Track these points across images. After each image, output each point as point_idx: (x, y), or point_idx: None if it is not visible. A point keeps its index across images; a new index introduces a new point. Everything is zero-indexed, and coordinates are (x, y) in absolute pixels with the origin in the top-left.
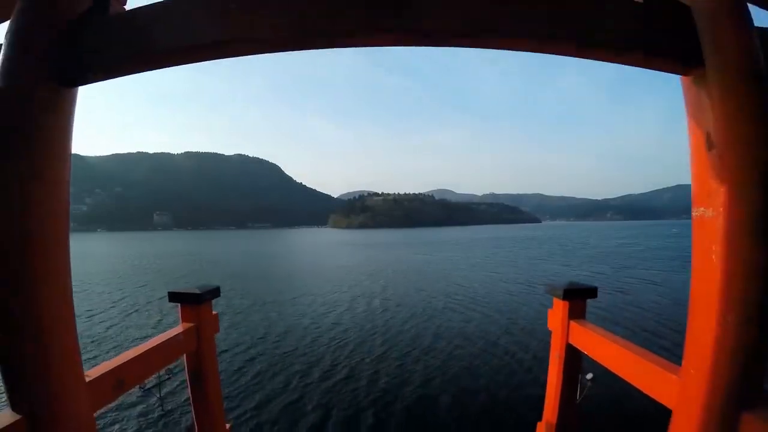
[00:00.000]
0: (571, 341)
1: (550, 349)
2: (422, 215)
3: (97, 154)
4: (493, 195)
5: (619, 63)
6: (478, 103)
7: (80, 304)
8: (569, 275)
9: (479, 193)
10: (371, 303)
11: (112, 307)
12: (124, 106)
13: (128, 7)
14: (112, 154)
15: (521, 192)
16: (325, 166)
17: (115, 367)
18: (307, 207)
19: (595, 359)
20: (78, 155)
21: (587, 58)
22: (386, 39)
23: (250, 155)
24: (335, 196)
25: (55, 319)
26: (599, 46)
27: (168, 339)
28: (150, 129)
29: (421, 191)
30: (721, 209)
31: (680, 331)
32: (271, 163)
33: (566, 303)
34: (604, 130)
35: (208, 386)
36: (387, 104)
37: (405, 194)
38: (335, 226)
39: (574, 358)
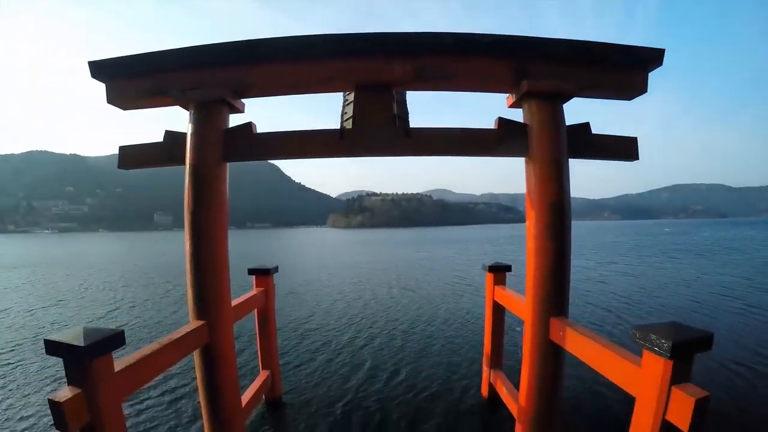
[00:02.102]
0: (495, 299)
1: (485, 308)
2: (421, 215)
3: (98, 155)
4: (491, 195)
5: (487, 156)
6: (473, 99)
7: (138, 292)
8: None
9: (477, 193)
10: (389, 292)
11: (168, 292)
12: None
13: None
14: (113, 154)
15: (519, 192)
16: (323, 166)
17: (234, 305)
18: (307, 207)
19: (506, 308)
20: (78, 156)
21: (472, 156)
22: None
23: None
24: (334, 196)
25: (222, 279)
26: (479, 151)
27: (250, 297)
28: (150, 129)
29: (420, 191)
30: (533, 223)
31: (642, 313)
32: (270, 163)
33: (492, 275)
34: (602, 130)
35: (270, 331)
36: None
37: (403, 194)
38: (335, 225)
39: (498, 311)
